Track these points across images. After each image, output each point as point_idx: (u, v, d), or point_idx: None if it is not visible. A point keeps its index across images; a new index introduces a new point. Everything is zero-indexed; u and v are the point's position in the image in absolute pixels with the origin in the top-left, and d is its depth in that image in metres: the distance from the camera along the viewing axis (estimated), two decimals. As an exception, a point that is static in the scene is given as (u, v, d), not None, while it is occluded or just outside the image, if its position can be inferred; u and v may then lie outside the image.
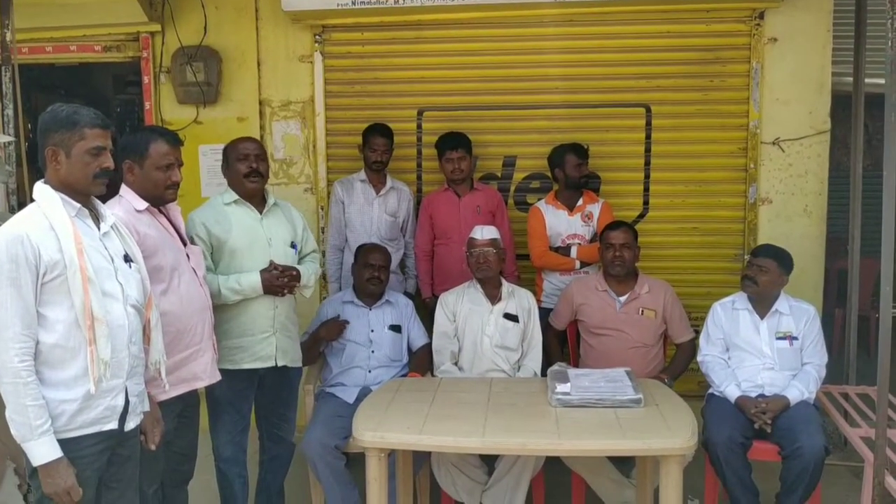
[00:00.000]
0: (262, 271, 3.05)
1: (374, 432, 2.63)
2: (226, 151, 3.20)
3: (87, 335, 2.06)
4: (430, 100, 4.55)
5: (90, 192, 2.20)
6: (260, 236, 3.12)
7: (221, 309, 3.04)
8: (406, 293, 4.14)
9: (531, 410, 2.84)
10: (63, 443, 2.05)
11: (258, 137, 4.50)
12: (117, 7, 4.37)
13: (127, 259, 2.27)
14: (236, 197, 3.14)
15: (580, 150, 4.09)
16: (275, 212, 3.23)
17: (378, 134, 4.15)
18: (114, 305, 2.16)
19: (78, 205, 2.17)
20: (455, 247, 4.10)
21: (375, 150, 4.13)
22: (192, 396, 2.78)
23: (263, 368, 3.14)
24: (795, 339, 3.36)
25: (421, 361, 3.63)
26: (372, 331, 3.59)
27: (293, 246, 3.24)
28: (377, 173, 4.20)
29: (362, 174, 4.22)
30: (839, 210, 4.70)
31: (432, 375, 3.56)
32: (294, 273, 3.11)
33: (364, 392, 3.40)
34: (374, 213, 4.18)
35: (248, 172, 3.11)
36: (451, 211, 4.16)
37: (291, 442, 3.39)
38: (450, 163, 4.10)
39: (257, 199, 3.19)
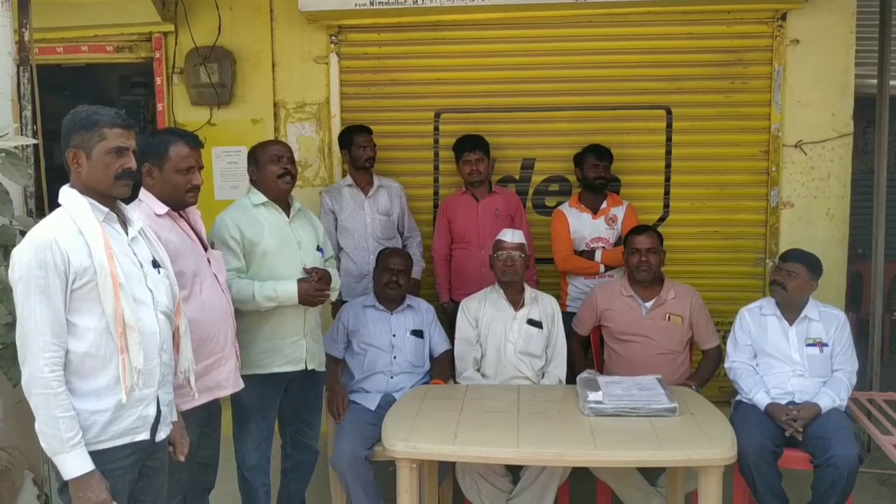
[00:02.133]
0: (300, 281, 2.99)
1: (406, 442, 2.57)
2: (255, 154, 3.14)
3: (119, 343, 2.00)
4: (447, 101, 4.50)
5: (113, 195, 2.13)
6: (290, 239, 3.08)
7: (248, 314, 2.98)
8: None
9: (563, 419, 2.78)
10: (94, 455, 1.98)
11: (273, 139, 4.45)
12: (130, 7, 4.31)
13: (155, 265, 2.20)
14: (265, 199, 3.08)
15: (599, 152, 4.04)
16: (300, 216, 3.19)
17: (362, 131, 4.10)
18: (145, 312, 2.09)
19: (106, 209, 2.10)
20: (473, 251, 4.05)
21: (364, 146, 4.08)
22: (214, 405, 2.72)
23: (292, 373, 3.09)
24: (825, 345, 3.30)
25: (443, 368, 3.57)
26: (394, 335, 3.53)
27: (319, 249, 3.19)
28: (365, 173, 4.14)
29: (348, 179, 4.16)
30: (853, 213, 4.64)
31: (454, 382, 3.50)
32: (327, 279, 3.06)
33: (386, 399, 3.35)
34: (366, 215, 4.11)
35: (283, 173, 3.07)
36: (469, 214, 4.09)
37: (315, 448, 3.33)
38: (467, 165, 4.04)
39: (283, 203, 3.13)
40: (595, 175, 4.01)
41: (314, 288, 3.00)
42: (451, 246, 4.18)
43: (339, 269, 4.07)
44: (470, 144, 4.06)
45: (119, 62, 4.69)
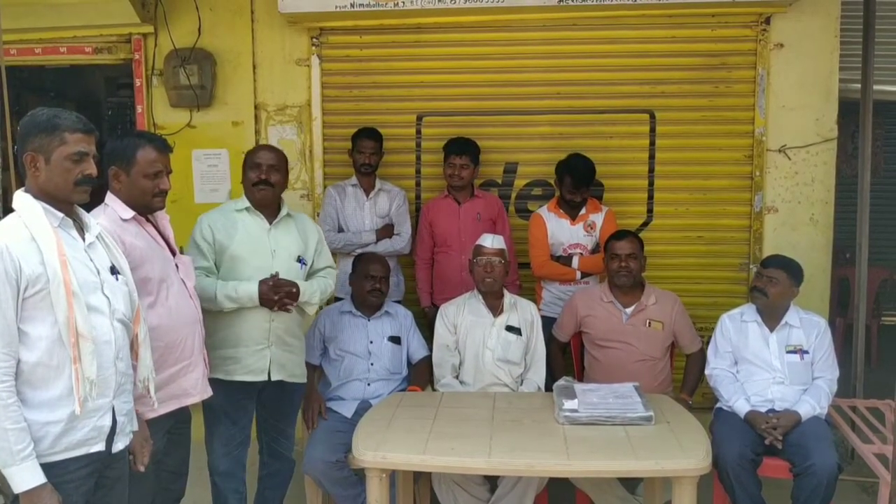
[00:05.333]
0: (261, 282, 2.94)
1: (376, 452, 2.53)
2: (244, 157, 3.14)
3: (72, 352, 1.95)
4: (429, 105, 4.46)
5: (71, 201, 2.09)
6: (264, 246, 3.03)
7: (215, 318, 2.95)
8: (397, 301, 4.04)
9: (538, 428, 2.74)
10: (47, 467, 1.94)
11: (253, 142, 4.41)
12: (109, 8, 4.26)
13: (113, 271, 2.16)
14: (247, 204, 3.06)
15: (578, 176, 3.88)
16: (286, 223, 3.13)
17: (365, 136, 4.09)
18: (100, 320, 2.05)
19: (61, 214, 2.06)
20: (454, 255, 4.02)
21: (363, 152, 4.07)
22: (182, 412, 2.67)
23: (260, 382, 3.03)
24: (806, 352, 3.27)
25: (421, 374, 3.53)
26: (371, 342, 3.49)
27: (300, 260, 3.11)
28: (367, 177, 4.13)
29: (353, 179, 4.16)
30: (842, 217, 4.62)
31: (433, 389, 3.47)
32: (293, 290, 2.99)
33: (363, 406, 3.31)
34: (365, 216, 4.11)
35: (257, 182, 3.03)
36: (450, 218, 4.06)
37: (291, 458, 3.28)
38: (451, 168, 4.01)
39: (271, 210, 3.09)
40: (570, 198, 3.95)
41: (273, 291, 2.94)
42: (433, 250, 4.14)
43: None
44: (458, 148, 4.02)
45: (99, 63, 4.63)
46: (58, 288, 1.94)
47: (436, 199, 4.19)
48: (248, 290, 2.93)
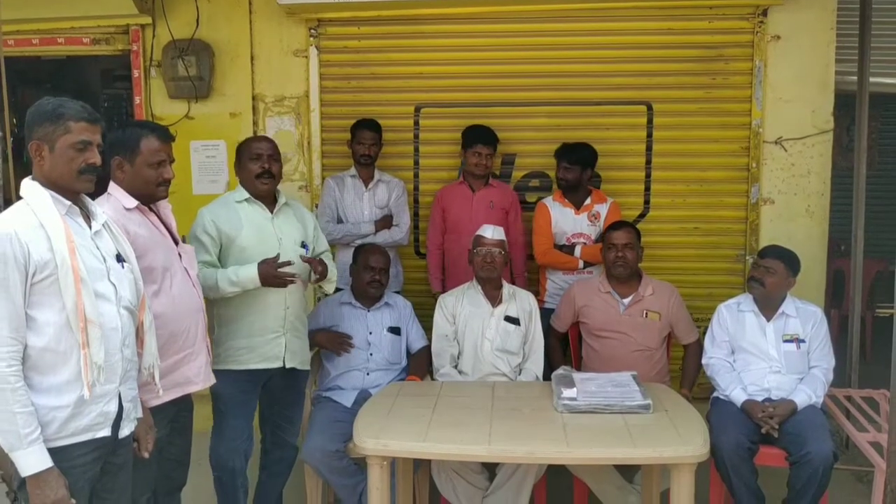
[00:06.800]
0: (260, 263, 2.96)
1: (377, 440, 2.55)
2: (239, 149, 3.16)
3: (81, 338, 1.97)
4: (427, 96, 4.47)
5: (75, 189, 2.10)
6: (270, 235, 3.07)
7: (229, 308, 2.99)
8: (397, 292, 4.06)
9: (537, 416, 2.76)
10: (53, 452, 1.96)
11: (251, 133, 4.42)
12: (107, -2, 4.27)
13: (119, 259, 2.17)
14: (247, 195, 3.09)
15: (571, 156, 3.96)
16: (286, 211, 3.17)
17: (365, 128, 4.10)
18: (106, 307, 2.06)
19: (68, 202, 2.07)
20: (465, 241, 4.01)
21: (362, 143, 4.09)
22: (185, 401, 2.68)
23: (271, 370, 3.07)
24: (802, 341, 3.30)
25: (420, 364, 3.54)
26: (370, 333, 3.50)
27: (304, 246, 3.17)
28: (366, 168, 4.15)
29: (353, 170, 4.18)
30: (837, 210, 4.64)
31: (431, 378, 3.48)
32: (291, 263, 3.00)
33: (362, 395, 3.33)
34: (364, 207, 4.13)
35: (261, 173, 3.06)
36: (463, 204, 4.08)
37: (294, 445, 3.31)
38: (476, 156, 4.03)
39: (269, 199, 3.13)
40: (562, 176, 3.99)
41: (274, 267, 2.95)
42: (444, 236, 4.16)
43: (334, 259, 4.10)
44: (484, 138, 4.04)
45: (96, 55, 4.63)
46: (66, 274, 1.95)
47: (450, 185, 4.22)
48: (249, 272, 2.94)
